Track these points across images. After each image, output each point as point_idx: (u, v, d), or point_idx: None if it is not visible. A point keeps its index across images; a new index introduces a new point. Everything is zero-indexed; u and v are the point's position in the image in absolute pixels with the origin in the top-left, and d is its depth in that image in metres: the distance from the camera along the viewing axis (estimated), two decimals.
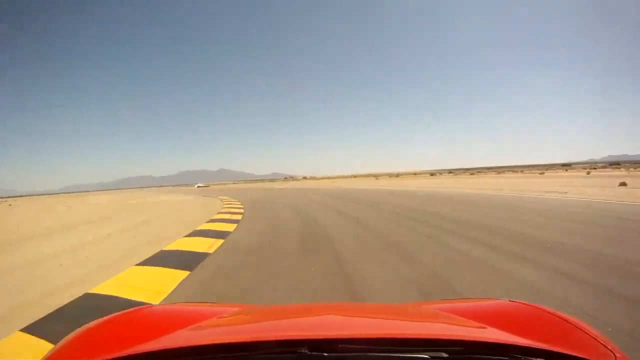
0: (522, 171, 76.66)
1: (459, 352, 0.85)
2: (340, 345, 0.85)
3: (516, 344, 0.88)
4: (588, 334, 1.06)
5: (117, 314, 1.36)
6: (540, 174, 51.04)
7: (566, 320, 1.17)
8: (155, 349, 0.90)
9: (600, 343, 1.00)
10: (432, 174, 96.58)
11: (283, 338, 0.92)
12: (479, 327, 1.12)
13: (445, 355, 0.83)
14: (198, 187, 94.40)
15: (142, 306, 1.50)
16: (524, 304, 1.39)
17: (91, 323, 1.24)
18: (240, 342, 0.92)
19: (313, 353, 0.84)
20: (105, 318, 1.29)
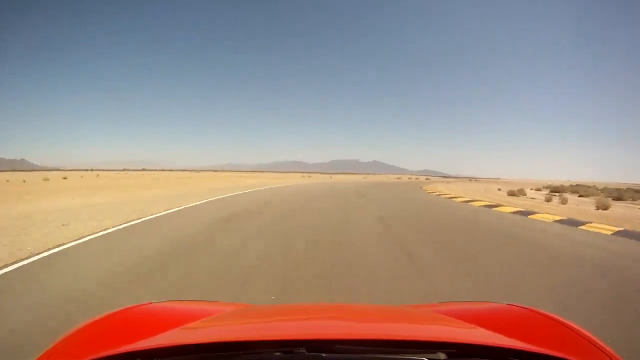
0: None
1: (456, 354, 0.85)
2: (338, 346, 0.85)
3: (512, 347, 0.88)
4: (584, 338, 1.07)
5: (113, 311, 1.34)
6: None
7: (563, 324, 1.17)
8: (150, 347, 0.89)
9: (596, 347, 1.01)
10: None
11: (281, 338, 0.92)
12: (475, 330, 1.12)
13: (443, 356, 0.83)
14: None
15: (138, 304, 1.47)
16: (520, 307, 1.40)
17: (87, 321, 1.22)
18: (237, 341, 0.91)
19: (311, 353, 0.83)
20: (101, 315, 1.28)
